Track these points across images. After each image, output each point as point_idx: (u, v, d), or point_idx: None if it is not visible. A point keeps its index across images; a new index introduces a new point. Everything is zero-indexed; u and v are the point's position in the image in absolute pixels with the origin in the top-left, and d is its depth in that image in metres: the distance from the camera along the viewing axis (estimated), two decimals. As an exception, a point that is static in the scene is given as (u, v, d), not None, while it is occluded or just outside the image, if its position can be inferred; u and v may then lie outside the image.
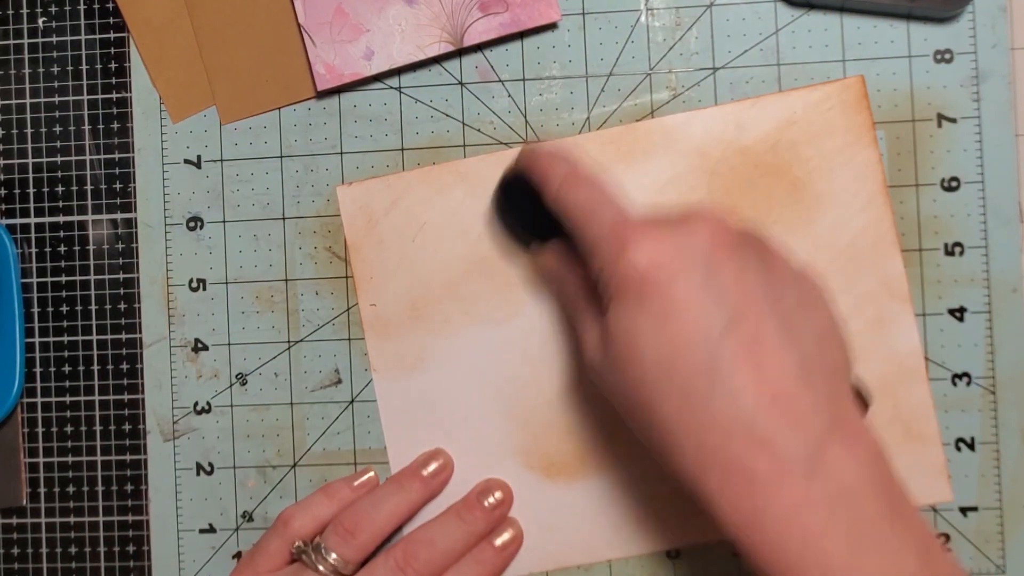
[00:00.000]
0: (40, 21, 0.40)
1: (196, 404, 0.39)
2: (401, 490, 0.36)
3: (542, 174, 0.33)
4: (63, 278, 0.39)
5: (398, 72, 0.38)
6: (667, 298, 0.27)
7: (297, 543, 0.35)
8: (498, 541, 0.36)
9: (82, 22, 0.39)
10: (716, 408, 0.27)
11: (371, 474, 0.38)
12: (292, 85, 0.38)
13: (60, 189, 0.39)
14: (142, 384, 0.39)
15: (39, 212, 0.40)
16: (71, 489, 0.39)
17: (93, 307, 0.39)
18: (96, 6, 0.39)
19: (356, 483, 0.37)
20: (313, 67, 0.37)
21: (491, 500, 0.36)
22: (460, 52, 0.38)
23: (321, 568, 0.34)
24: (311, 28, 0.37)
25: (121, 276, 0.39)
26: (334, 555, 0.35)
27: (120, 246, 0.39)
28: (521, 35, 0.38)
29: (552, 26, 0.37)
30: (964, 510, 0.36)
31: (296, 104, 0.39)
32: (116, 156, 0.39)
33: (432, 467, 0.37)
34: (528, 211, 0.34)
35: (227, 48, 0.38)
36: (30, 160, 0.40)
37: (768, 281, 0.28)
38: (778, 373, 0.27)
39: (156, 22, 0.39)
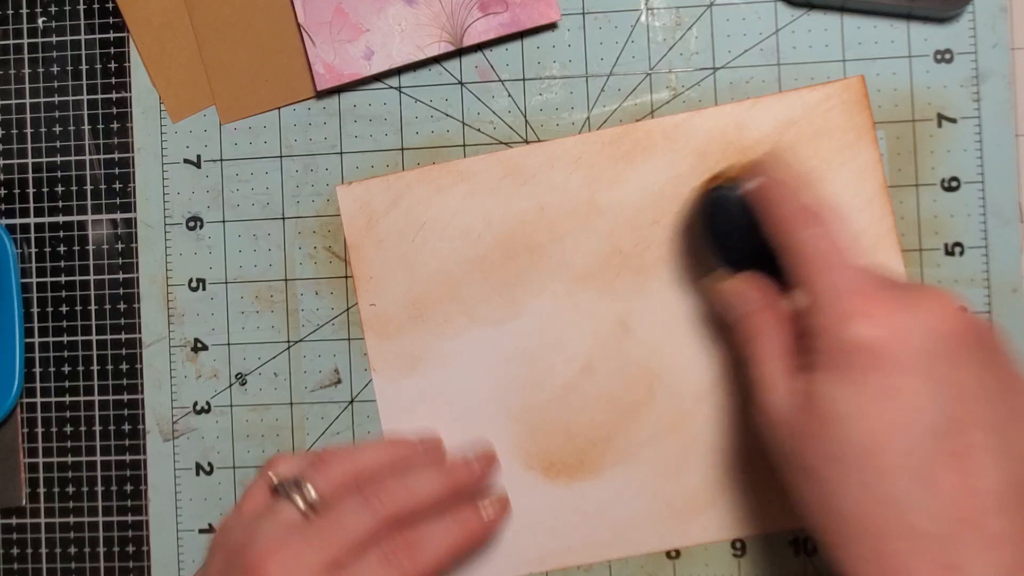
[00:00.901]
0: (40, 21, 0.40)
1: (196, 404, 0.39)
2: (390, 444, 0.36)
3: (770, 199, 0.30)
4: (63, 278, 0.39)
5: (398, 72, 0.38)
6: (888, 382, 0.26)
7: (276, 479, 0.34)
8: (486, 512, 0.35)
9: (82, 22, 0.39)
10: (911, 515, 0.25)
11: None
12: (292, 85, 0.38)
13: (60, 189, 0.39)
14: (142, 384, 0.39)
15: (39, 212, 0.40)
16: (71, 489, 0.39)
17: (93, 307, 0.39)
18: (96, 6, 0.39)
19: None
20: (313, 67, 0.37)
21: (477, 458, 0.36)
22: (460, 52, 0.38)
23: (297, 500, 0.32)
24: (311, 28, 0.37)
25: (121, 276, 0.39)
26: (310, 486, 0.33)
27: (120, 246, 0.39)
28: (521, 35, 0.38)
29: (552, 26, 0.37)
30: (964, 510, 0.36)
31: (296, 104, 0.39)
32: (116, 156, 0.39)
33: (427, 438, 0.37)
34: (735, 228, 0.32)
35: (227, 48, 0.38)
36: (30, 160, 0.40)
37: (990, 384, 0.26)
38: (984, 492, 0.25)
39: (156, 22, 0.39)
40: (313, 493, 0.32)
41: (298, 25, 0.38)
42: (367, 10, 0.37)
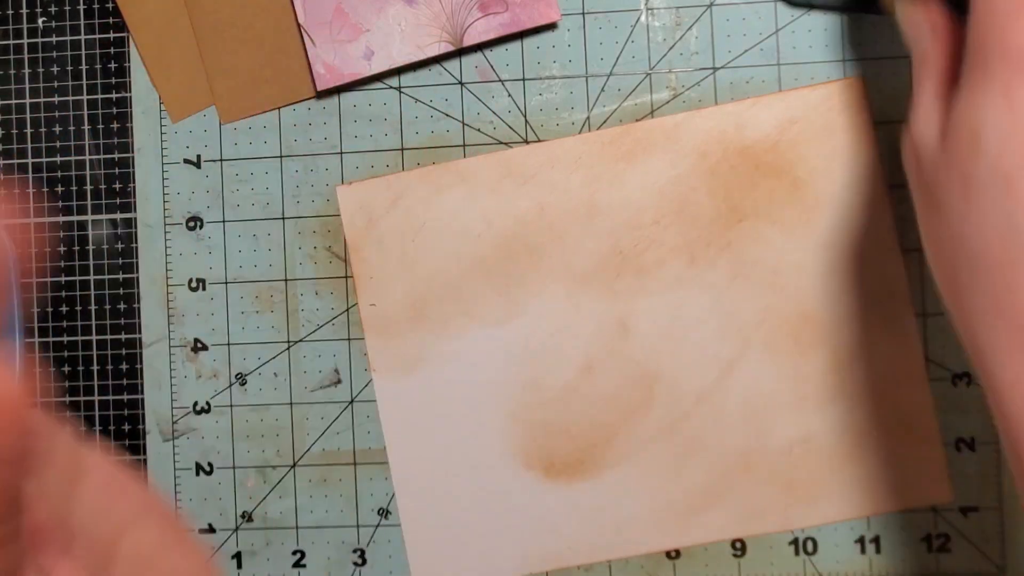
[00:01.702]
0: (40, 21, 0.40)
1: (196, 404, 0.39)
2: None
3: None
4: (63, 278, 0.39)
5: (398, 72, 0.38)
6: None
7: None
8: None
9: (82, 22, 0.39)
10: None
11: None
12: (292, 85, 0.38)
13: (60, 189, 0.39)
14: (141, 384, 0.39)
15: (39, 212, 0.40)
16: (71, 489, 0.39)
17: (93, 307, 0.39)
18: (96, 6, 0.39)
19: None
20: (313, 67, 0.37)
21: None
22: (460, 52, 0.38)
23: None
24: (311, 28, 0.37)
25: (121, 276, 0.39)
26: None
27: (120, 246, 0.39)
28: (521, 35, 0.38)
29: (552, 26, 0.37)
30: (964, 510, 0.36)
31: (296, 104, 0.39)
32: (116, 156, 0.39)
33: None
34: None
35: (227, 48, 0.38)
36: (30, 160, 0.40)
37: None
38: None
39: (156, 22, 0.39)
40: None
41: (298, 25, 0.38)
42: (367, 10, 0.37)
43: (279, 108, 0.39)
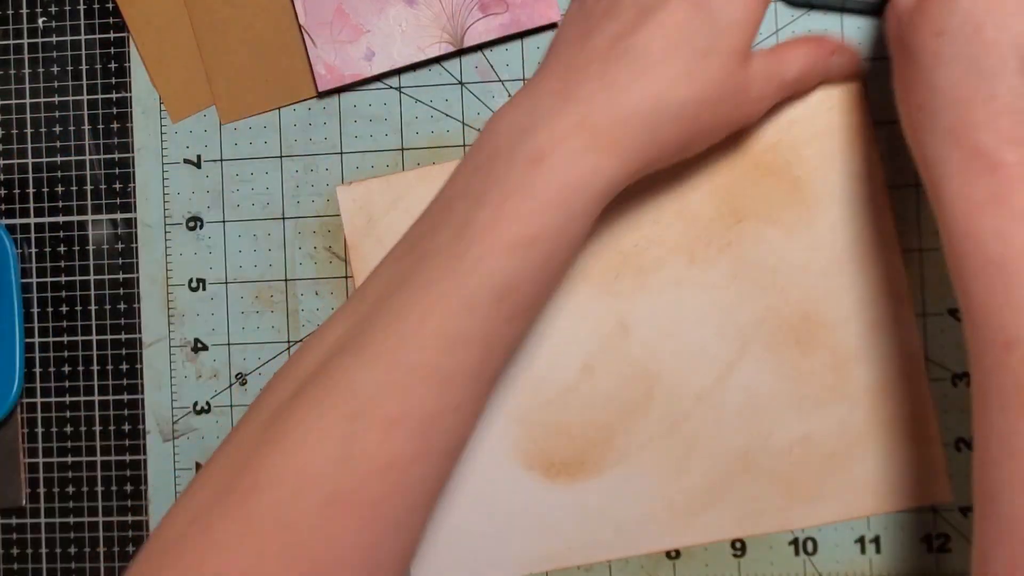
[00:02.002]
0: (40, 21, 0.40)
1: (196, 404, 0.39)
2: None
3: None
4: (63, 278, 0.39)
5: (398, 72, 0.38)
6: None
7: None
8: None
9: (82, 22, 0.39)
10: (1001, 87, 0.26)
11: None
12: (292, 85, 0.38)
13: (60, 189, 0.39)
14: (142, 384, 0.39)
15: (39, 212, 0.40)
16: (71, 489, 0.39)
17: (93, 307, 0.39)
18: (96, 6, 0.39)
19: None
20: (314, 67, 0.37)
21: None
22: (460, 52, 0.38)
23: None
24: (311, 28, 0.37)
25: (121, 276, 0.39)
26: None
27: (120, 246, 0.39)
28: (521, 35, 0.38)
29: (552, 26, 0.37)
30: (964, 510, 0.36)
31: (296, 104, 0.39)
32: (116, 156, 0.39)
33: None
34: None
35: (227, 48, 0.38)
36: (30, 160, 0.40)
37: None
38: None
39: (156, 22, 0.39)
40: None
41: (299, 26, 0.38)
42: (368, 11, 0.37)
43: (279, 108, 0.39)
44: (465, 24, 0.37)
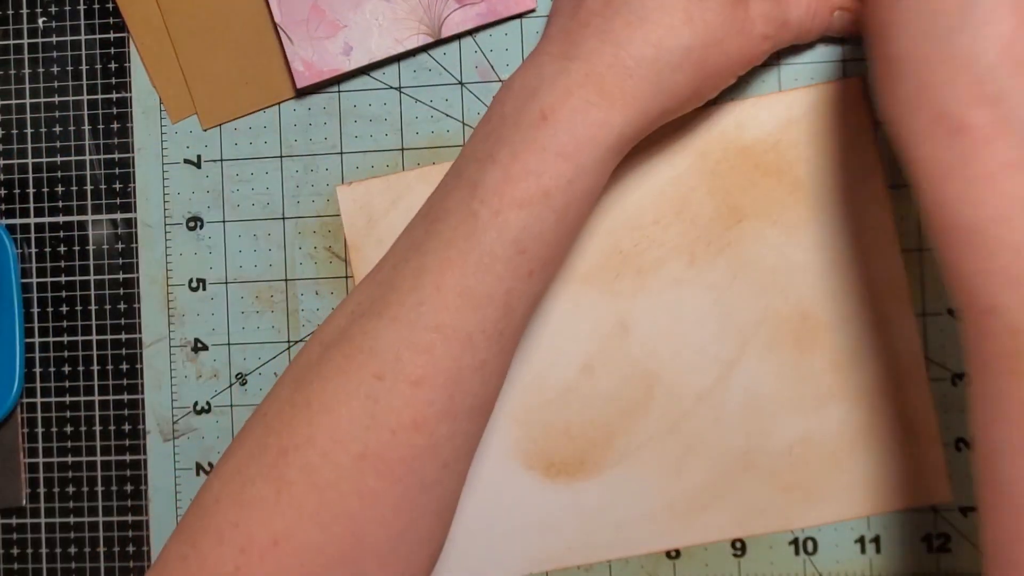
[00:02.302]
0: (40, 21, 0.40)
1: (196, 404, 0.39)
2: None
3: None
4: (63, 278, 0.39)
5: (398, 72, 0.38)
6: None
7: None
8: None
9: (82, 22, 0.39)
10: (956, 45, 0.26)
11: None
12: (272, 86, 0.38)
13: (60, 189, 0.39)
14: (142, 384, 0.39)
15: (39, 212, 0.40)
16: (71, 489, 0.39)
17: (93, 307, 0.39)
18: (96, 6, 0.39)
19: None
20: (291, 65, 0.37)
21: None
22: (460, 52, 0.38)
23: None
24: (288, 26, 0.37)
25: (121, 276, 0.39)
26: None
27: (120, 246, 0.39)
28: (521, 35, 0.38)
29: (530, 12, 0.37)
30: (964, 510, 0.36)
31: (296, 104, 0.39)
32: (116, 156, 0.39)
33: None
34: None
35: (205, 53, 0.38)
36: (30, 160, 0.40)
37: None
38: None
39: (156, 22, 0.39)
40: None
41: (274, 25, 0.38)
42: (343, 6, 0.37)
43: (264, 109, 0.39)
44: (442, 15, 0.37)
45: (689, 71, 0.30)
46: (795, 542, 0.37)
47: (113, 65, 0.39)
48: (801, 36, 0.34)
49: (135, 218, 0.39)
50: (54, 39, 0.40)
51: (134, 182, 0.39)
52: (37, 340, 0.39)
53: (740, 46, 0.32)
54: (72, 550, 0.39)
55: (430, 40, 0.37)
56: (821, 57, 0.37)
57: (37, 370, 0.39)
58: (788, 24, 0.33)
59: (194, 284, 0.39)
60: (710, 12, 0.30)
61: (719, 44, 0.31)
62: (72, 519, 0.39)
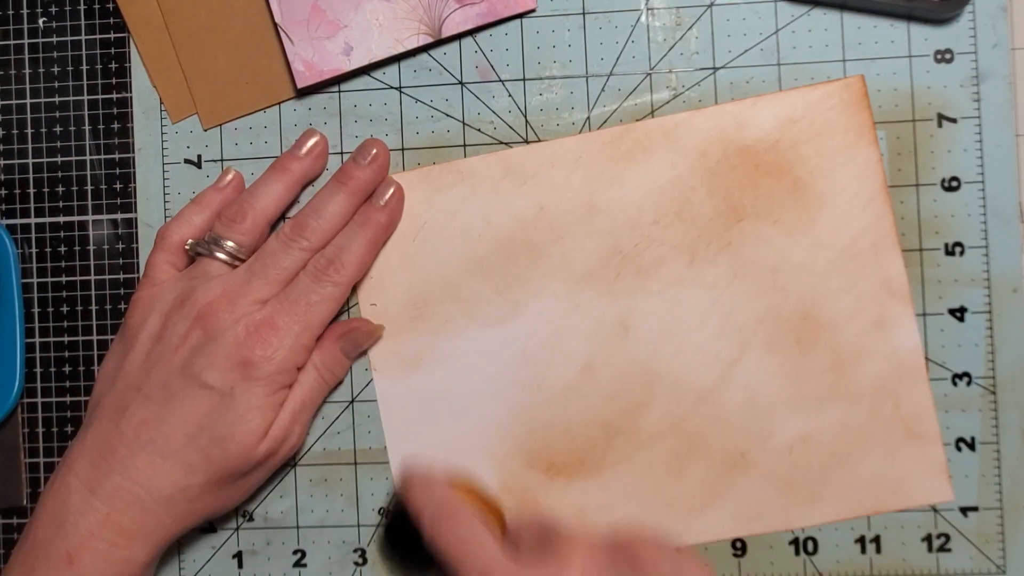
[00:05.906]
0: (40, 21, 0.40)
1: (196, 404, 0.39)
2: (277, 172, 0.37)
3: (415, 509, 0.31)
4: (63, 278, 0.39)
5: (398, 72, 0.38)
6: None
7: (190, 241, 0.36)
8: (380, 201, 0.37)
9: (82, 22, 0.39)
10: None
11: (232, 174, 0.38)
12: (273, 86, 0.38)
13: (60, 189, 0.39)
14: (142, 384, 0.39)
15: (39, 212, 0.40)
16: (71, 489, 0.39)
17: (93, 307, 0.39)
18: (96, 6, 0.39)
19: (221, 184, 0.38)
20: (292, 65, 0.37)
21: (366, 159, 0.37)
22: (460, 52, 0.38)
23: (220, 256, 0.35)
24: (288, 27, 0.37)
25: (121, 276, 0.39)
26: (229, 242, 0.35)
27: (120, 246, 0.39)
28: (521, 35, 0.38)
29: (530, 12, 0.37)
30: (964, 510, 0.36)
31: (297, 105, 0.39)
32: (116, 156, 0.39)
33: (309, 143, 0.37)
34: (415, 546, 0.31)
35: (205, 53, 0.38)
36: (30, 160, 0.40)
37: None
38: None
39: (156, 22, 0.39)
40: (232, 244, 0.35)
41: (275, 25, 0.38)
42: (344, 6, 0.37)
43: (264, 109, 0.39)
44: (442, 15, 0.37)
45: (210, 500, 0.34)
46: (795, 542, 0.37)
47: (113, 65, 0.39)
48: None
49: (135, 218, 0.39)
50: (54, 39, 0.40)
51: (134, 182, 0.39)
52: (37, 340, 0.39)
53: (249, 474, 0.35)
54: (72, 550, 0.39)
55: (430, 40, 0.37)
56: (821, 57, 0.37)
57: (37, 370, 0.40)
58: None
59: (194, 284, 0.39)
60: (229, 455, 0.33)
61: (233, 475, 0.34)
62: (72, 519, 0.39)
